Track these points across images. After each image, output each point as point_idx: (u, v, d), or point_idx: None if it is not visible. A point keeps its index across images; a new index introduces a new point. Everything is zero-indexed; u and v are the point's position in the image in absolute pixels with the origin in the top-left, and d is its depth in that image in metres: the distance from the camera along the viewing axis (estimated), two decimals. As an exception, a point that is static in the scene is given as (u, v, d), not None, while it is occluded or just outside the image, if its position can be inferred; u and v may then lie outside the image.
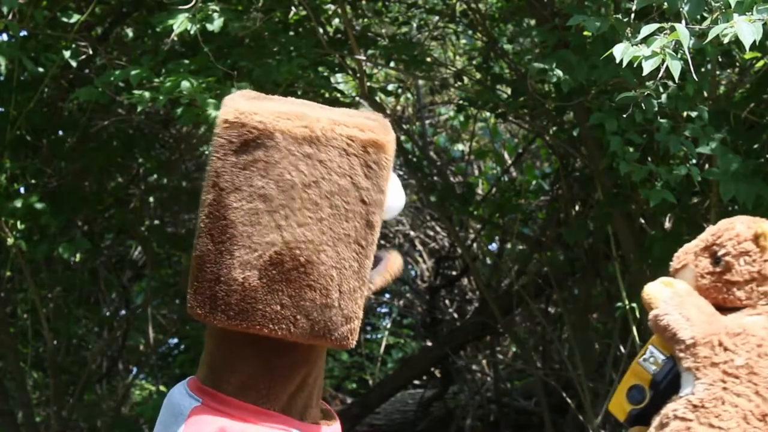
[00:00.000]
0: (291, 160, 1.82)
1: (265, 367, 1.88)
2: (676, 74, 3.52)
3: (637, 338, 5.54)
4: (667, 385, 2.41)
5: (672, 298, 2.40)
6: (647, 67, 3.52)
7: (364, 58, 5.38)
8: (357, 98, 6.51)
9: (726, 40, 3.50)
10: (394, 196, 1.91)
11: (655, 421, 2.40)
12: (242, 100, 1.90)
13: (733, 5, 3.56)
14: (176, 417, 1.91)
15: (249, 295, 1.84)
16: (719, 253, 2.43)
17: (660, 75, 3.72)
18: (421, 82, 7.88)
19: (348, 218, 1.83)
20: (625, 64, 3.62)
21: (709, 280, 2.42)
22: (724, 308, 2.42)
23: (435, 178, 7.16)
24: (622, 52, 3.60)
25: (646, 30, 3.56)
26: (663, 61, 3.53)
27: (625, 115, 4.27)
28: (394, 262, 1.97)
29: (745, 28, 3.38)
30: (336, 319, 1.85)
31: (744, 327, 2.36)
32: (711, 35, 3.48)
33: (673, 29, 3.53)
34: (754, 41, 3.49)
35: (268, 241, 1.82)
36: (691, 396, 2.34)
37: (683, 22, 3.65)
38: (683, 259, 2.49)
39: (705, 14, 3.77)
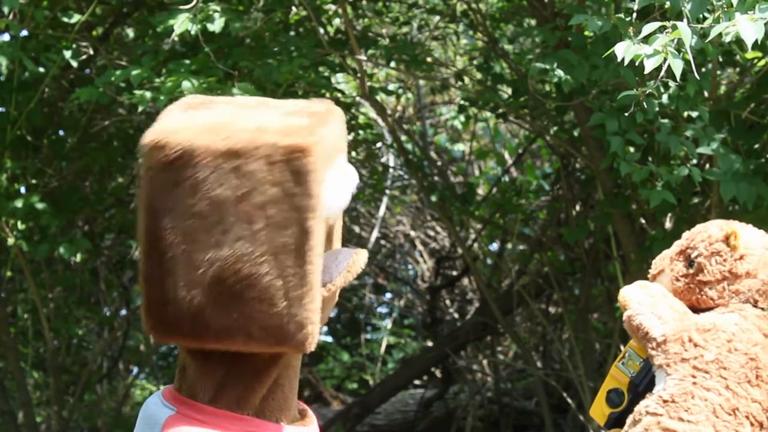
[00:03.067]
0: (218, 175, 1.80)
1: (235, 374, 1.89)
2: (678, 73, 3.52)
3: (637, 338, 5.53)
4: (645, 387, 2.45)
5: (645, 299, 2.45)
6: (649, 66, 3.53)
7: (365, 58, 5.38)
8: (357, 98, 6.51)
9: (728, 39, 3.50)
10: (334, 195, 1.89)
11: (629, 419, 2.44)
12: (175, 112, 1.88)
13: (735, 4, 3.56)
14: (151, 427, 1.90)
15: (198, 314, 1.83)
16: (692, 256, 2.48)
17: (661, 74, 3.72)
18: (421, 82, 7.88)
19: (284, 226, 1.81)
20: (626, 62, 3.62)
21: (683, 282, 2.48)
22: (698, 309, 2.47)
23: (435, 178, 7.16)
24: (623, 50, 3.60)
25: (648, 28, 3.56)
26: (665, 59, 3.53)
27: (626, 115, 4.27)
28: (356, 262, 1.96)
29: (747, 27, 3.38)
30: (289, 327, 1.84)
31: (715, 323, 2.41)
32: (713, 34, 3.48)
33: (674, 28, 3.53)
34: (756, 40, 3.49)
35: (209, 259, 1.82)
36: (662, 392, 2.38)
37: (685, 21, 3.65)
38: (660, 264, 2.55)
39: (707, 14, 3.77)
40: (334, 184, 1.89)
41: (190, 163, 1.80)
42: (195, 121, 1.85)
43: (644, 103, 4.10)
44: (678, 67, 3.50)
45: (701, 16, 3.76)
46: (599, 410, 2.56)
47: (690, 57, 3.54)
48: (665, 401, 2.39)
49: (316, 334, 1.87)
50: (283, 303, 1.83)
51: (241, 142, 1.79)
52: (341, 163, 1.94)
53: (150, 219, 1.83)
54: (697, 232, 2.54)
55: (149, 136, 1.82)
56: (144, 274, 1.86)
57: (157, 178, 1.81)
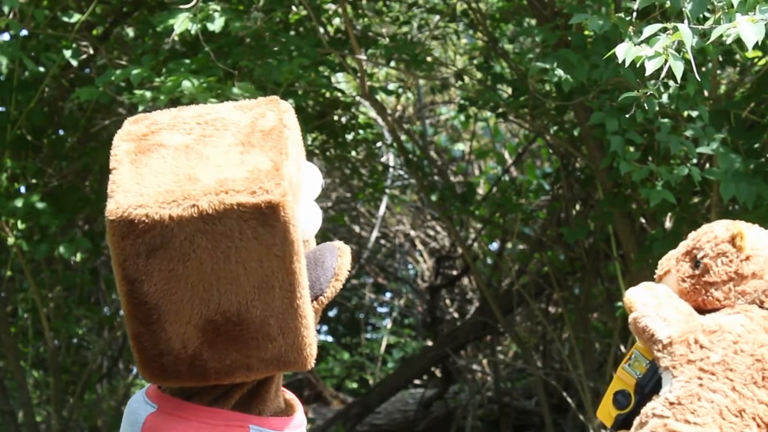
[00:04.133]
0: (191, 240, 1.78)
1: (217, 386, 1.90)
2: (679, 75, 3.52)
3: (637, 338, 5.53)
4: (651, 388, 2.44)
5: (651, 300, 2.44)
6: (650, 68, 3.53)
7: (365, 57, 5.38)
8: (357, 98, 6.51)
9: (729, 41, 3.50)
10: (308, 220, 1.89)
11: (636, 421, 2.43)
12: (125, 165, 1.83)
13: (735, 5, 3.56)
14: (133, 426, 1.91)
15: (196, 360, 1.84)
16: (698, 256, 2.47)
17: (662, 75, 3.72)
18: (421, 81, 7.88)
19: (267, 274, 1.80)
20: (627, 64, 3.62)
21: (689, 283, 2.46)
22: (704, 310, 2.46)
23: (435, 177, 7.16)
24: (624, 52, 3.60)
25: (648, 30, 3.56)
26: (666, 61, 3.53)
27: (626, 115, 4.27)
28: (342, 266, 1.95)
29: (747, 29, 3.38)
30: (289, 355, 1.86)
31: (720, 324, 2.40)
32: (713, 36, 3.48)
33: (675, 29, 3.53)
34: (757, 41, 3.49)
35: (197, 312, 1.82)
36: (669, 394, 2.37)
37: (686, 21, 3.64)
38: (666, 265, 2.53)
39: (707, 14, 3.77)
40: (307, 212, 1.88)
41: (161, 234, 1.78)
42: (152, 183, 1.80)
43: (644, 104, 4.10)
44: (679, 69, 3.50)
45: (701, 15, 3.76)
46: (606, 412, 2.55)
47: (690, 57, 3.54)
48: (671, 403, 2.38)
49: (314, 350, 1.87)
50: (279, 336, 1.84)
51: (209, 208, 1.77)
52: (305, 169, 1.91)
53: (128, 286, 1.81)
54: (703, 232, 2.52)
55: (112, 212, 1.78)
56: (132, 331, 1.84)
57: (128, 249, 1.79)
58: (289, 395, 2.00)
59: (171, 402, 1.90)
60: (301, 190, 1.88)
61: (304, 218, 1.88)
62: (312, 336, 1.87)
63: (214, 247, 1.78)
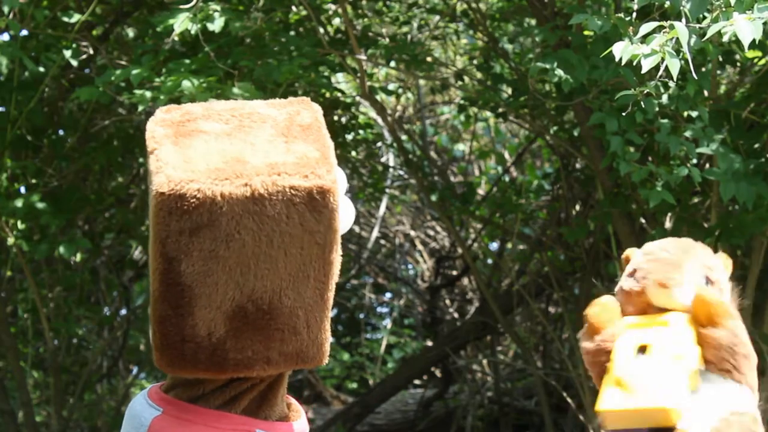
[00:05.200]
0: (237, 220, 1.76)
1: (231, 380, 1.88)
2: (675, 72, 3.51)
3: (637, 338, 5.53)
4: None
5: None
6: (646, 65, 3.52)
7: (365, 57, 5.38)
8: (357, 98, 6.51)
9: (725, 39, 3.50)
10: (345, 215, 1.89)
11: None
12: (168, 146, 1.82)
13: (733, 3, 3.56)
14: (137, 429, 1.89)
15: (218, 348, 1.81)
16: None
17: (660, 74, 3.72)
18: (421, 81, 7.88)
19: (305, 262, 1.79)
20: (624, 62, 3.62)
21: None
22: None
23: (435, 177, 7.16)
24: (621, 50, 3.60)
25: (645, 28, 3.56)
26: (662, 59, 3.53)
27: (625, 115, 4.27)
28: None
29: (744, 27, 3.38)
30: (309, 350, 1.85)
31: None
32: (710, 33, 3.48)
33: (672, 27, 3.53)
34: (754, 40, 3.49)
35: (229, 297, 1.79)
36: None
37: (684, 20, 3.64)
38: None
39: (706, 13, 3.77)
40: (343, 204, 1.87)
41: (210, 211, 1.76)
42: (200, 161, 1.79)
43: (642, 104, 4.10)
44: (675, 66, 3.50)
45: (701, 15, 3.76)
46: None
47: (688, 57, 3.54)
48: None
49: (329, 348, 1.87)
50: (304, 329, 1.83)
51: (261, 188, 1.76)
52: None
53: (165, 264, 1.78)
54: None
55: (163, 185, 1.76)
56: (158, 315, 1.81)
57: (173, 225, 1.77)
58: (292, 400, 1.99)
59: (176, 405, 1.88)
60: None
61: (343, 212, 1.87)
62: (329, 333, 1.87)
63: (259, 229, 1.77)
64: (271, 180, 1.77)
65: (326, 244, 1.80)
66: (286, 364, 1.85)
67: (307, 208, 1.78)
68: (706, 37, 3.55)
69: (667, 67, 3.53)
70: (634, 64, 3.61)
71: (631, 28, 3.94)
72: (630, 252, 2.55)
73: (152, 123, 1.87)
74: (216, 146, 1.82)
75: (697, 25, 3.65)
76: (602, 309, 2.51)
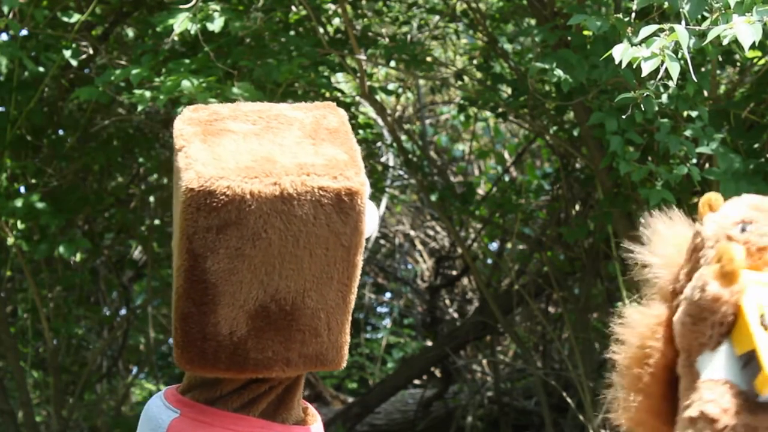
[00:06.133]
0: (265, 219, 1.77)
1: (249, 382, 1.87)
2: (675, 76, 3.52)
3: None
4: None
5: None
6: (646, 69, 3.53)
7: (365, 57, 5.38)
8: (357, 98, 6.51)
9: (726, 42, 3.50)
10: (371, 219, 1.88)
11: None
12: (196, 143, 1.83)
13: (732, 5, 3.56)
14: (154, 431, 1.89)
15: (239, 347, 1.81)
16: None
17: (660, 76, 3.72)
18: (421, 81, 7.88)
19: (329, 264, 1.80)
20: (624, 65, 3.62)
21: None
22: None
23: (435, 177, 7.16)
24: (621, 53, 3.60)
25: (645, 31, 3.56)
26: (662, 62, 3.53)
27: (625, 116, 4.27)
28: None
29: (744, 30, 3.38)
30: (329, 353, 1.85)
31: None
32: (710, 36, 3.48)
33: (672, 30, 3.53)
34: (754, 42, 3.49)
35: (252, 296, 1.79)
36: None
37: (683, 22, 3.64)
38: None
39: (705, 14, 3.77)
40: (370, 210, 1.88)
41: (238, 209, 1.76)
42: (230, 159, 1.79)
43: (642, 105, 4.10)
44: (675, 70, 3.50)
45: (699, 16, 3.76)
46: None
47: (688, 59, 3.54)
48: None
49: (347, 352, 1.87)
50: (325, 332, 1.83)
51: (290, 187, 1.76)
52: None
53: (191, 261, 1.79)
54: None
55: (193, 181, 1.76)
56: (180, 311, 1.81)
57: (201, 222, 1.77)
58: (308, 405, 1.98)
59: (194, 407, 1.88)
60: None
61: (369, 216, 1.87)
62: (349, 336, 1.87)
63: (286, 228, 1.77)
64: (301, 180, 1.77)
65: (351, 247, 1.80)
66: (306, 366, 1.85)
67: (334, 210, 1.78)
68: (706, 41, 3.55)
69: (667, 69, 3.53)
70: (635, 66, 3.61)
71: (630, 28, 3.94)
72: (715, 199, 2.02)
73: (180, 121, 1.88)
74: (245, 146, 1.82)
75: (697, 27, 3.65)
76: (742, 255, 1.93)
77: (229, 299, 1.79)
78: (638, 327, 1.90)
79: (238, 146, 1.82)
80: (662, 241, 1.95)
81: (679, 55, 3.55)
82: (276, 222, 1.77)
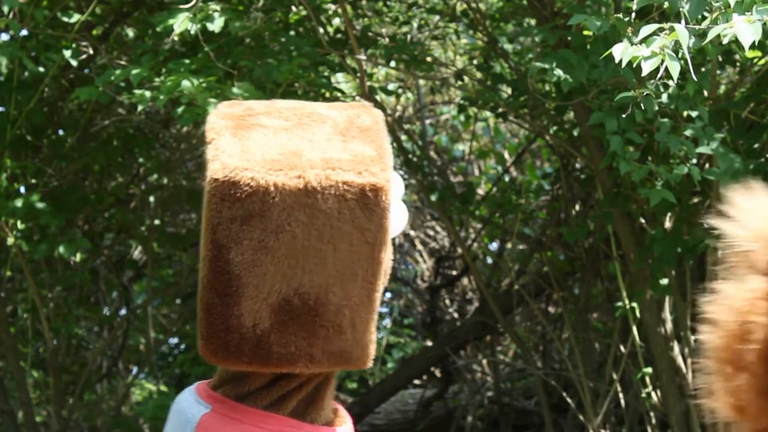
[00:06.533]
0: (288, 212, 1.77)
1: (273, 383, 1.87)
2: (675, 75, 3.52)
3: (637, 338, 5.54)
4: None
5: None
6: (646, 68, 3.53)
7: (365, 57, 5.38)
8: (357, 98, 6.51)
9: (725, 41, 3.50)
10: (397, 220, 1.87)
11: None
12: (226, 136, 1.84)
13: (732, 5, 3.56)
14: (184, 426, 1.88)
15: (262, 341, 1.81)
16: None
17: (660, 75, 3.72)
18: (421, 81, 7.88)
19: (353, 260, 1.79)
20: (624, 64, 3.62)
21: None
22: None
23: (435, 177, 7.16)
24: (621, 52, 3.60)
25: (645, 30, 3.56)
26: (662, 61, 3.53)
27: (624, 115, 4.27)
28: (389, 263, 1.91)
29: (744, 29, 3.38)
30: (353, 351, 1.84)
31: None
32: (710, 36, 3.48)
33: (672, 29, 3.53)
34: (754, 41, 3.49)
35: (276, 289, 1.79)
36: None
37: (683, 21, 3.64)
38: None
39: (705, 14, 3.77)
40: (396, 207, 1.87)
41: (262, 200, 1.77)
42: (257, 152, 1.80)
43: (642, 104, 4.10)
44: (675, 69, 3.50)
45: (700, 16, 3.75)
46: None
47: (688, 58, 3.54)
48: None
49: (374, 350, 1.86)
50: (349, 329, 1.82)
51: (314, 181, 1.77)
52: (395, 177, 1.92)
53: (215, 251, 1.79)
54: None
55: (218, 172, 1.77)
56: (205, 302, 1.82)
57: (225, 212, 1.78)
58: (339, 407, 1.98)
59: (225, 403, 1.87)
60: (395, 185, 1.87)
61: (395, 214, 1.87)
62: (375, 335, 1.85)
63: (310, 222, 1.77)
64: (325, 174, 1.78)
65: (376, 243, 1.80)
66: (330, 363, 1.84)
67: (358, 205, 1.78)
68: (706, 41, 3.55)
69: (667, 68, 3.53)
70: (634, 66, 3.61)
71: (630, 28, 3.93)
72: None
73: (214, 116, 1.89)
74: (274, 140, 1.83)
75: (697, 26, 3.65)
76: None
77: (252, 291, 1.79)
78: (735, 302, 1.75)
79: (267, 140, 1.83)
80: (748, 214, 1.83)
81: (680, 55, 3.55)
82: (300, 215, 1.77)
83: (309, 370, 1.84)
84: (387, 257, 1.84)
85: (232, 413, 1.86)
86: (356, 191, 1.78)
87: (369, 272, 1.81)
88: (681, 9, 3.71)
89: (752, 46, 3.54)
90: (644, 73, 3.54)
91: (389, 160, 1.83)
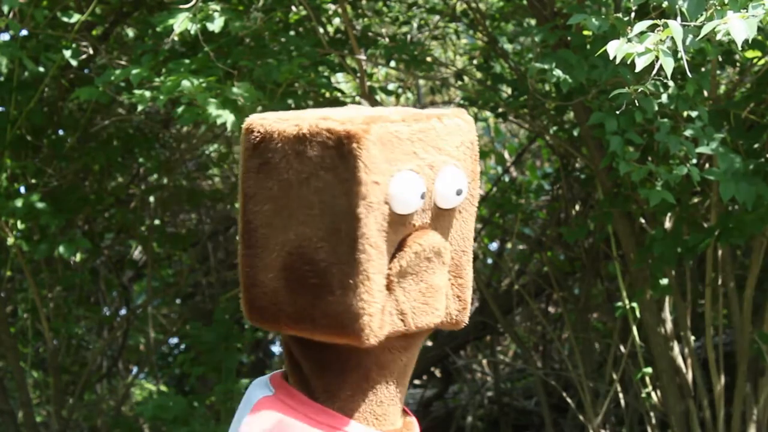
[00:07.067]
0: (287, 159, 1.82)
1: (318, 366, 1.88)
2: (669, 71, 3.50)
3: (637, 338, 5.54)
4: None
5: None
6: (640, 64, 3.51)
7: (365, 57, 5.38)
8: (357, 98, 6.51)
9: (719, 37, 3.49)
10: (401, 192, 1.84)
11: None
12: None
13: (727, 2, 3.56)
14: (246, 404, 1.92)
15: (275, 298, 1.85)
16: None
17: (655, 72, 3.71)
18: (421, 81, 7.88)
19: (336, 213, 1.80)
20: (618, 60, 3.61)
21: None
22: None
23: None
24: (616, 48, 3.59)
25: (639, 26, 3.55)
26: (657, 58, 3.52)
27: (619, 111, 4.27)
28: (419, 240, 1.86)
29: (737, 25, 3.37)
30: (345, 316, 1.81)
31: None
32: (704, 31, 3.47)
33: (666, 26, 3.52)
34: (753, 39, 3.48)
35: (281, 242, 1.83)
36: None
37: (679, 19, 3.64)
38: None
39: (704, 12, 3.77)
40: (404, 180, 1.83)
41: (268, 146, 1.84)
42: (281, 114, 1.88)
43: (636, 101, 4.10)
44: (669, 65, 3.49)
45: (699, 15, 3.75)
46: None
47: (683, 55, 3.53)
48: None
49: (376, 326, 1.82)
50: (339, 291, 1.81)
51: (305, 128, 1.82)
52: (440, 169, 1.88)
53: (243, 202, 1.87)
54: None
55: (245, 122, 1.88)
56: (239, 256, 1.89)
57: (247, 161, 1.86)
58: (411, 419, 1.95)
59: (288, 390, 1.90)
60: (408, 160, 1.84)
61: (398, 185, 1.83)
62: (374, 308, 1.81)
63: (301, 170, 1.82)
64: (316, 122, 1.82)
65: (352, 195, 1.79)
66: (329, 327, 1.82)
67: (336, 153, 1.80)
68: (700, 36, 3.54)
69: (662, 65, 3.52)
70: (629, 62, 3.60)
71: (630, 28, 3.93)
72: None
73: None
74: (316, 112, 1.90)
75: (691, 24, 3.65)
76: None
77: (265, 243, 1.85)
78: None
79: (298, 112, 1.91)
80: None
81: (678, 55, 3.55)
82: (295, 163, 1.82)
83: (315, 335, 1.84)
84: (374, 219, 1.80)
85: (289, 400, 1.88)
86: (335, 139, 1.80)
87: (350, 228, 1.80)
88: (679, 7, 3.71)
89: (752, 46, 3.53)
90: (638, 68, 3.53)
91: (387, 121, 1.82)
